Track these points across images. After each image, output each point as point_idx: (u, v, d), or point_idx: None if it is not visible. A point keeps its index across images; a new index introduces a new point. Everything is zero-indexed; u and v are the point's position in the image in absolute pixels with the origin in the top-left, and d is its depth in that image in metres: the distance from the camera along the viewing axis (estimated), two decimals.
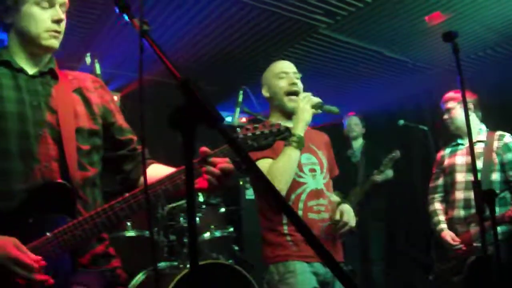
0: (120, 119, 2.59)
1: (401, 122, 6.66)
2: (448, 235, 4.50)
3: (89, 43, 5.73)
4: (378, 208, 6.88)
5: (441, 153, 4.90)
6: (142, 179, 2.48)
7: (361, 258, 6.95)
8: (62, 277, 2.06)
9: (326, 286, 3.29)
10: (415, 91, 7.76)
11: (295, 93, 3.50)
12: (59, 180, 2.18)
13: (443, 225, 4.62)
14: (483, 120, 4.75)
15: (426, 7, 5.33)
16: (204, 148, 2.23)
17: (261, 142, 2.39)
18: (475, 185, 2.91)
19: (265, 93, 3.65)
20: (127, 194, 2.22)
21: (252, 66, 6.73)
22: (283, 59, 6.47)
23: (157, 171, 2.42)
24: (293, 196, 3.32)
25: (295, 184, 3.32)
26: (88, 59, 4.18)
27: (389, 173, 6.75)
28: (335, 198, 3.58)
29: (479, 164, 4.44)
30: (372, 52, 6.48)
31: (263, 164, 3.24)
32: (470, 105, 4.55)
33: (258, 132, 2.40)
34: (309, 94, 3.44)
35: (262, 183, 1.26)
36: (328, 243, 3.33)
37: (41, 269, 1.98)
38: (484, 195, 2.94)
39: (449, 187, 4.68)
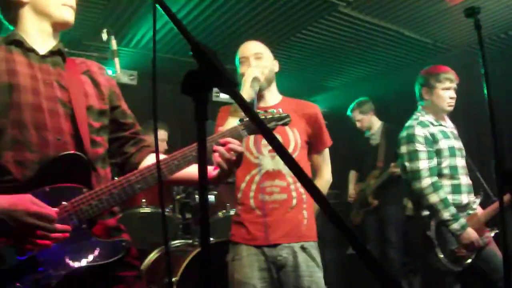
0: (124, 104, 2.65)
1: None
2: (475, 233, 4.12)
3: (105, 20, 5.71)
4: (397, 191, 6.83)
5: (428, 129, 4.35)
6: (142, 164, 2.54)
7: (378, 240, 6.94)
8: (78, 245, 2.11)
9: (285, 268, 3.33)
10: None
11: None
12: (75, 152, 2.20)
13: (464, 220, 4.17)
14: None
15: None
16: (221, 128, 2.43)
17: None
18: (497, 165, 2.83)
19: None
20: (142, 167, 2.31)
21: (271, 45, 6.69)
22: (302, 38, 6.49)
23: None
24: (247, 177, 3.46)
25: (250, 165, 3.45)
26: (104, 35, 4.14)
27: None
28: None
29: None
30: (391, 32, 6.38)
31: None
32: (456, 87, 4.47)
33: (261, 118, 2.64)
34: (253, 68, 3.45)
35: (281, 154, 1.22)
36: (292, 221, 3.40)
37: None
38: (504, 175, 2.86)
39: (451, 171, 4.31)
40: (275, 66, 3.70)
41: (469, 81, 4.55)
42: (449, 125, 4.51)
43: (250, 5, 5.58)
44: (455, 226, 4.10)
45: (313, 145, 3.65)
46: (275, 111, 2.76)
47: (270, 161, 3.42)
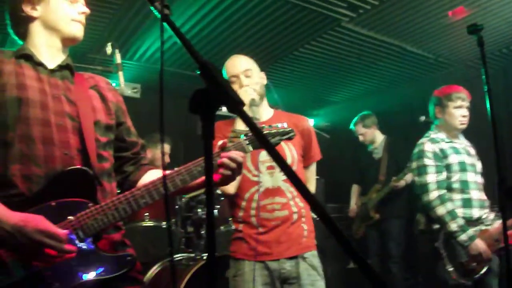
0: (129, 121, 2.68)
1: (422, 118, 6.59)
2: (483, 244, 4.13)
3: (110, 33, 5.75)
4: (399, 205, 6.83)
5: (438, 145, 4.44)
6: (141, 181, 2.58)
7: (380, 254, 6.93)
8: (84, 259, 2.12)
9: (289, 280, 3.33)
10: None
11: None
12: (82, 167, 2.22)
13: (473, 232, 4.18)
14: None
15: (449, 2, 5.25)
16: (225, 141, 2.45)
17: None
18: (500, 180, 2.85)
19: None
20: (147, 182, 2.31)
21: (274, 59, 6.71)
22: (305, 52, 6.51)
23: (158, 174, 2.54)
24: (247, 195, 3.39)
25: (249, 184, 3.39)
26: (109, 49, 4.16)
27: (409, 177, 6.67)
28: None
29: (479, 165, 4.54)
30: (394, 47, 6.41)
31: None
32: (468, 105, 4.54)
33: (265, 132, 2.68)
34: (247, 89, 3.39)
35: (283, 169, 1.23)
36: (293, 235, 3.39)
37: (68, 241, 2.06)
38: (508, 191, 2.87)
39: (462, 185, 4.34)
40: (263, 79, 3.64)
41: (471, 96, 4.57)
42: (462, 143, 4.59)
43: (254, 19, 5.61)
44: (462, 237, 4.13)
45: (302, 159, 3.61)
46: (279, 125, 2.75)
47: (269, 179, 3.39)
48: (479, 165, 4.53)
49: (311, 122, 3.72)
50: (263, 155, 3.39)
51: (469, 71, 6.98)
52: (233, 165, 2.39)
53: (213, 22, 5.63)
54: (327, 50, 6.47)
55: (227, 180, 2.44)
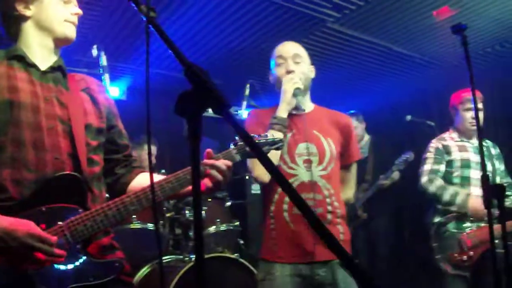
0: (120, 124, 2.67)
1: (408, 117, 6.64)
2: (479, 202, 4.18)
3: (95, 35, 5.72)
4: (387, 204, 6.86)
5: (443, 142, 4.80)
6: (132, 184, 2.58)
7: (368, 253, 6.94)
8: (72, 264, 2.12)
9: (323, 286, 3.14)
10: (423, 87, 7.72)
11: None
12: (72, 172, 2.23)
13: (465, 195, 4.45)
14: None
15: (434, 2, 5.27)
16: (209, 150, 2.42)
17: None
18: (484, 179, 2.88)
19: (270, 78, 3.52)
20: (137, 189, 2.33)
21: (259, 60, 6.71)
22: None
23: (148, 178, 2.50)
24: (280, 189, 3.20)
25: (284, 175, 3.17)
26: (94, 51, 4.17)
27: (396, 175, 6.69)
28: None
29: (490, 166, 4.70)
30: (379, 47, 6.43)
31: None
32: (480, 105, 4.69)
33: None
34: (294, 76, 3.28)
35: (270, 172, 1.24)
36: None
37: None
38: (493, 189, 2.90)
39: (462, 181, 4.62)
40: (312, 72, 3.52)
41: (482, 98, 4.68)
42: (476, 143, 4.73)
43: (238, 21, 5.60)
44: (458, 201, 4.45)
45: (341, 158, 3.44)
46: (268, 135, 2.73)
47: (305, 172, 3.19)
48: (496, 166, 4.74)
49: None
50: (301, 147, 3.23)
51: (455, 70, 7.00)
52: (219, 176, 2.37)
53: (197, 25, 5.62)
54: (312, 50, 6.46)
55: (213, 190, 2.44)
